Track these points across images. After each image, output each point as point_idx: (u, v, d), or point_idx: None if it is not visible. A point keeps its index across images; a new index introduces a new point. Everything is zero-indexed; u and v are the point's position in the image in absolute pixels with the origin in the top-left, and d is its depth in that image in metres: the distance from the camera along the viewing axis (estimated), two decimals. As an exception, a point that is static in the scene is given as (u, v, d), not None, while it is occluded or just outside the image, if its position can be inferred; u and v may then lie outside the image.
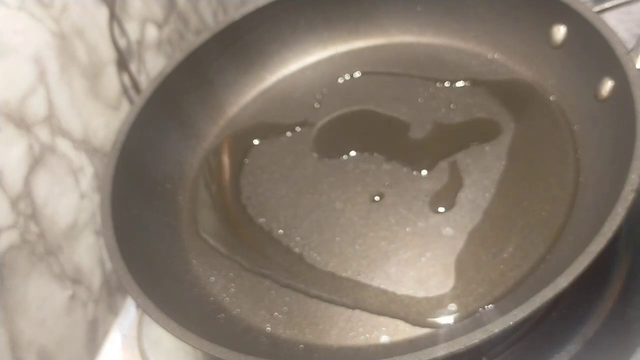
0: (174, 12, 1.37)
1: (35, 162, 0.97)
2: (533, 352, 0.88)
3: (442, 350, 0.71)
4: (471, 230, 0.93)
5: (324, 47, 1.28)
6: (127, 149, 1.03)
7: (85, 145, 1.09)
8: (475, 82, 1.13)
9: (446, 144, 1.05)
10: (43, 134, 0.99)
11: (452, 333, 0.83)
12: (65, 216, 1.04)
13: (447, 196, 0.98)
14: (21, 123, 0.94)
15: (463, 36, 1.18)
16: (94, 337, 1.09)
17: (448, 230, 0.94)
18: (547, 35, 1.05)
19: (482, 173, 0.99)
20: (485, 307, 0.84)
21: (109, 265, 1.11)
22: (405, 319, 0.86)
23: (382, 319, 0.87)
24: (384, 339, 0.86)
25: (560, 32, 1.03)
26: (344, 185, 1.05)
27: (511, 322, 0.70)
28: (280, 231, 1.02)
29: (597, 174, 0.91)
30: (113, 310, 1.14)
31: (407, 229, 0.96)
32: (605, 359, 0.85)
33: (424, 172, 1.02)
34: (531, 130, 1.03)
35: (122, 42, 1.19)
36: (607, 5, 1.00)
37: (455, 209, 0.96)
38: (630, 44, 0.93)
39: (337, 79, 1.24)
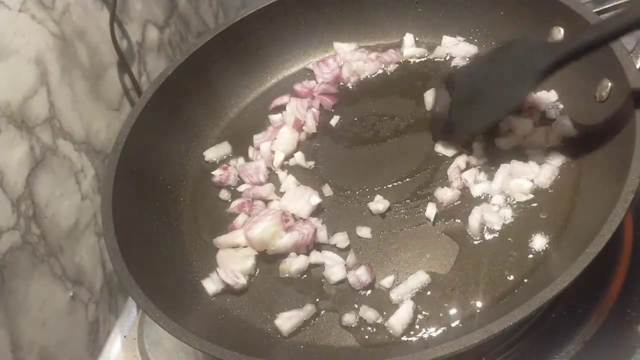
0: (174, 14, 1.37)
1: (37, 163, 0.97)
2: (533, 352, 0.88)
3: (443, 350, 0.71)
4: (472, 231, 0.93)
5: (325, 49, 1.28)
6: (128, 150, 1.03)
7: (86, 146, 1.09)
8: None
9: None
10: (44, 135, 0.99)
11: (452, 333, 0.83)
12: (67, 217, 1.04)
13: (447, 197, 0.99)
14: (22, 125, 0.95)
15: (465, 38, 1.19)
16: (95, 338, 1.09)
17: (448, 232, 0.94)
18: (547, 36, 1.05)
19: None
20: (486, 307, 0.85)
21: (110, 266, 1.11)
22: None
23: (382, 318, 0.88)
24: (385, 339, 0.86)
25: (560, 33, 1.03)
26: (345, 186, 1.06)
27: (511, 323, 0.70)
28: (281, 232, 1.02)
29: (597, 176, 0.91)
30: (114, 311, 1.14)
31: (408, 230, 0.96)
32: (605, 359, 0.85)
33: (426, 173, 1.03)
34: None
35: (123, 44, 1.19)
36: (607, 6, 1.01)
37: (455, 210, 0.96)
38: (630, 45, 0.93)
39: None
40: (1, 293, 0.89)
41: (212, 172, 1.13)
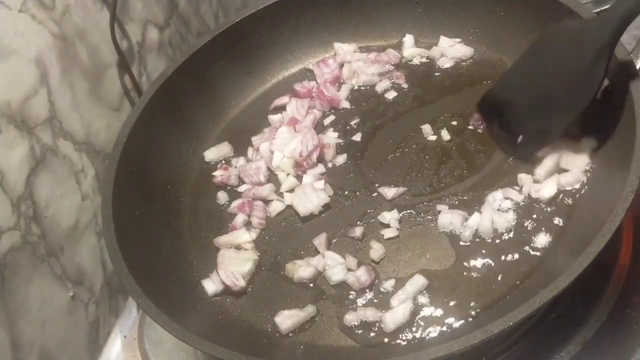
0: (175, 14, 1.37)
1: (37, 163, 0.97)
2: (533, 352, 0.88)
3: (442, 350, 0.71)
4: (471, 231, 0.93)
5: (325, 49, 1.28)
6: (128, 150, 1.04)
7: (86, 146, 1.09)
8: (474, 83, 1.13)
9: (447, 145, 1.06)
10: (44, 135, 0.99)
11: (452, 333, 0.83)
12: (67, 217, 1.04)
13: (448, 198, 0.99)
14: (22, 125, 0.95)
15: (463, 38, 1.19)
16: (95, 338, 1.09)
17: (449, 231, 0.94)
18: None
19: (483, 174, 1.00)
20: (486, 307, 0.85)
21: (110, 266, 1.11)
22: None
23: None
24: (385, 339, 0.86)
25: (560, 33, 1.03)
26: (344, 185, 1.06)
27: (511, 323, 0.70)
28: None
29: (596, 176, 0.91)
30: (114, 312, 1.14)
31: (409, 230, 0.96)
32: (605, 359, 0.85)
33: (426, 172, 1.03)
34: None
35: (123, 44, 1.19)
36: (607, 6, 1.00)
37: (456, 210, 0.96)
38: (630, 46, 0.93)
39: (337, 81, 1.24)
40: (1, 293, 0.89)
41: (213, 173, 1.13)
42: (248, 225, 1.04)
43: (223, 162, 1.16)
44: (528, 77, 0.99)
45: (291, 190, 1.06)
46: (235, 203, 1.07)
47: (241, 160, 1.14)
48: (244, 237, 1.01)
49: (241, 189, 1.10)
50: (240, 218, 1.04)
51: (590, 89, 0.89)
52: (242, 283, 0.95)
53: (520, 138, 0.99)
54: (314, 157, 1.08)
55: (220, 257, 1.00)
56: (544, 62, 0.96)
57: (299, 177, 1.08)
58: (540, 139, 0.97)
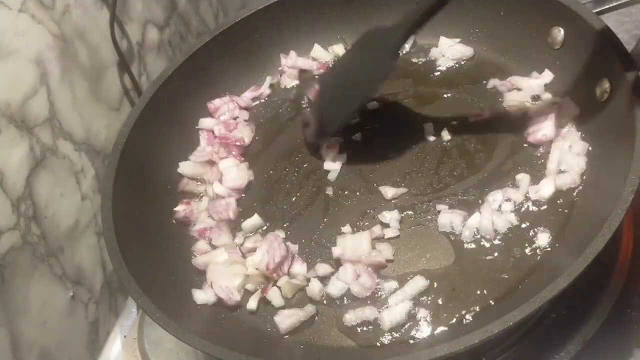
0: (174, 14, 1.37)
1: (37, 163, 0.97)
2: (533, 352, 0.88)
3: (443, 350, 0.71)
4: (471, 231, 0.93)
5: (325, 49, 1.28)
6: (128, 150, 1.03)
7: (86, 146, 1.09)
8: (474, 83, 1.13)
9: (447, 145, 1.06)
10: (44, 135, 0.99)
11: (451, 333, 0.83)
12: (67, 217, 1.04)
13: (448, 198, 0.99)
14: (22, 125, 0.95)
15: (463, 38, 1.19)
16: (95, 338, 1.09)
17: (448, 232, 0.94)
18: (547, 36, 1.05)
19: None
20: (486, 307, 0.85)
21: (110, 266, 1.11)
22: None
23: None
24: (384, 339, 0.86)
25: (560, 33, 1.03)
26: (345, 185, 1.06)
27: (511, 323, 0.70)
28: (280, 232, 1.02)
29: (596, 175, 0.91)
30: (114, 311, 1.14)
31: (409, 230, 0.96)
32: (605, 359, 0.85)
33: (426, 172, 1.03)
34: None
35: (123, 44, 1.19)
36: (607, 6, 1.01)
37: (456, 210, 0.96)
38: (630, 46, 0.93)
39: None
40: (1, 293, 0.89)
41: (175, 209, 1.07)
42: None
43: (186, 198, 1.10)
44: (339, 71, 1.14)
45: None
46: (197, 227, 1.03)
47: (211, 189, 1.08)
48: (223, 256, 0.98)
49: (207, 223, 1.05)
50: (201, 245, 1.01)
51: (378, 80, 1.07)
52: (237, 297, 0.93)
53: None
54: (285, 268, 0.95)
55: (209, 272, 0.96)
56: (355, 59, 1.10)
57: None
58: (331, 126, 1.09)
